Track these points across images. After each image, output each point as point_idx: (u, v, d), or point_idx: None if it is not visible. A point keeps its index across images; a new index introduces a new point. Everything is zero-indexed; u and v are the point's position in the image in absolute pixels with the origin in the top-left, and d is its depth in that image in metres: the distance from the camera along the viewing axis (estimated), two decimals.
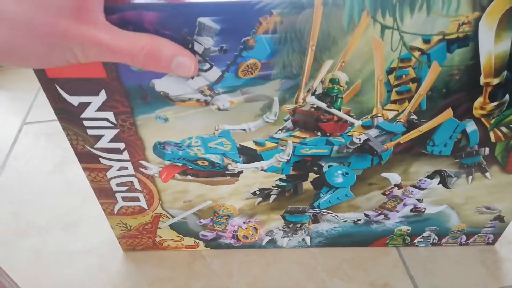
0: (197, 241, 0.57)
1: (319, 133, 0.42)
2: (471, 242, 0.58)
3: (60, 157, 0.74)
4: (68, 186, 0.69)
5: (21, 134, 0.79)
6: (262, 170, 0.46)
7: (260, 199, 0.50)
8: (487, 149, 0.44)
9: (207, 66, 0.35)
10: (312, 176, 0.48)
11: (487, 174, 0.47)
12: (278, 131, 0.42)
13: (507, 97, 0.39)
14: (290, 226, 0.55)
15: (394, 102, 0.39)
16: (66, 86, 0.37)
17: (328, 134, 0.43)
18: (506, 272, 0.56)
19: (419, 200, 0.51)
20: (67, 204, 0.66)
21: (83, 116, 0.39)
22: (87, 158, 0.44)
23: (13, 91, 0.91)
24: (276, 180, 0.48)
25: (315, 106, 0.39)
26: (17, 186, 0.69)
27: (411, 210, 0.53)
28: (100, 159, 0.44)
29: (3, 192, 0.68)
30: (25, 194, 0.68)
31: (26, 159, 0.74)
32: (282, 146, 0.43)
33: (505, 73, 0.37)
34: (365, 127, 0.42)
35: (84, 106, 0.38)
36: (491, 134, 0.43)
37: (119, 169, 0.45)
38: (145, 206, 0.50)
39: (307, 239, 0.57)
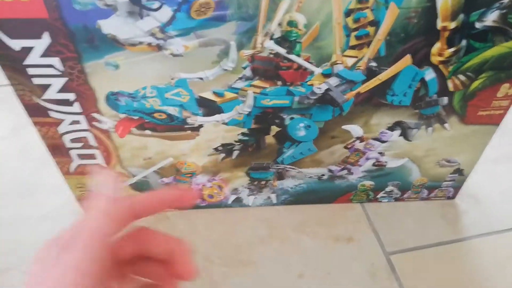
0: None
1: (279, 82, 0.41)
2: (432, 196, 0.59)
3: (15, 122, 0.71)
4: (26, 150, 0.66)
5: None
6: (223, 123, 0.45)
7: (223, 155, 0.49)
8: (445, 99, 0.45)
9: (157, 4, 0.33)
10: (274, 129, 0.47)
11: (446, 125, 0.48)
12: (237, 80, 0.41)
13: (464, 42, 0.39)
14: (255, 183, 0.54)
15: (353, 47, 0.39)
16: (6, 27, 0.34)
17: (288, 83, 0.42)
18: (465, 224, 0.58)
19: (380, 153, 0.51)
20: (24, 168, 0.63)
21: (26, 62, 0.37)
22: (35, 111, 0.41)
23: None
24: (238, 135, 0.47)
25: (274, 52, 0.38)
26: None
27: (374, 164, 0.53)
28: (50, 112, 0.41)
29: None
30: None
31: None
32: (242, 97, 0.42)
33: (461, 16, 0.37)
34: (325, 75, 0.41)
35: (27, 51, 0.36)
36: (449, 83, 0.43)
37: (71, 123, 0.43)
38: (103, 164, 0.49)
39: (273, 196, 0.57)
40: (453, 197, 0.60)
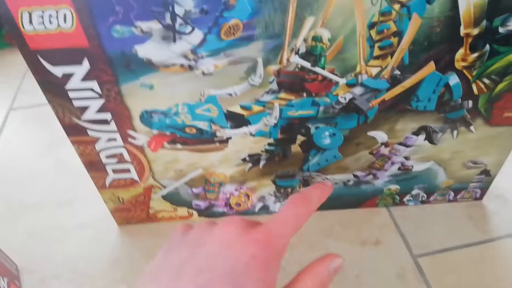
0: (190, 211, 0.58)
1: (304, 94, 0.43)
2: (459, 198, 0.60)
3: (49, 139, 0.74)
4: (60, 166, 0.69)
5: (8, 120, 0.79)
6: (251, 135, 0.46)
7: (250, 165, 0.51)
8: (470, 102, 0.45)
9: (189, 29, 0.35)
10: (300, 139, 0.48)
11: (472, 127, 0.48)
12: (264, 93, 0.42)
13: (487, 47, 0.39)
14: (281, 191, 0.56)
15: (377, 57, 0.40)
16: (49, 56, 0.36)
17: (313, 95, 0.43)
18: (493, 225, 0.58)
19: (406, 157, 0.52)
20: (60, 183, 0.66)
21: (67, 87, 0.39)
22: (74, 131, 0.44)
23: None
24: (265, 145, 0.49)
25: (299, 66, 0.40)
26: (9, 170, 0.69)
27: (399, 168, 0.54)
28: (88, 131, 0.44)
29: None
30: (17, 177, 0.68)
31: (16, 143, 0.74)
32: (269, 109, 0.44)
33: (484, 22, 0.37)
34: (350, 85, 0.42)
35: (68, 76, 0.38)
36: (474, 86, 0.43)
37: (107, 141, 0.45)
38: (136, 178, 0.51)
39: None
40: (480, 198, 0.60)
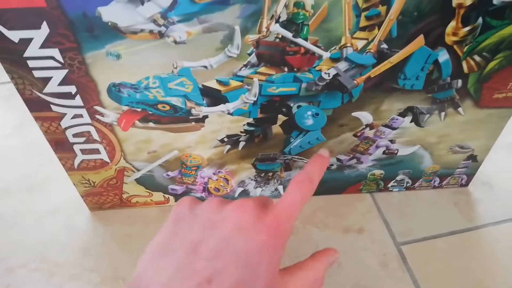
0: (166, 196, 0.55)
1: (286, 69, 0.40)
2: (445, 184, 0.58)
3: (18, 119, 0.70)
4: (30, 147, 0.65)
5: None
6: (229, 113, 0.43)
7: (228, 146, 0.48)
8: (459, 81, 0.43)
9: None
10: (281, 118, 0.46)
11: (460, 109, 0.46)
12: (242, 67, 0.39)
13: (480, 20, 0.37)
14: (262, 175, 0.53)
15: (364, 29, 0.37)
16: (4, 18, 0.33)
17: (295, 69, 0.40)
18: (479, 212, 0.57)
19: (391, 141, 0.50)
20: (29, 165, 0.62)
21: (26, 54, 0.35)
22: (37, 106, 0.40)
23: None
24: (244, 125, 0.46)
25: (280, 36, 0.37)
26: None
27: (384, 152, 0.51)
28: (52, 106, 0.40)
29: None
30: None
31: None
32: (248, 85, 0.41)
33: None
34: (334, 59, 0.39)
35: (26, 42, 0.35)
36: (464, 64, 0.41)
37: (73, 117, 0.42)
38: (107, 159, 0.47)
39: (280, 188, 0.56)
40: (466, 185, 0.59)
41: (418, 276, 0.50)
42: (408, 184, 0.57)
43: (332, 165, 0.52)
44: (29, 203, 0.57)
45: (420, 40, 0.38)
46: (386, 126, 0.48)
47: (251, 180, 0.54)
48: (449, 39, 0.39)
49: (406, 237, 0.54)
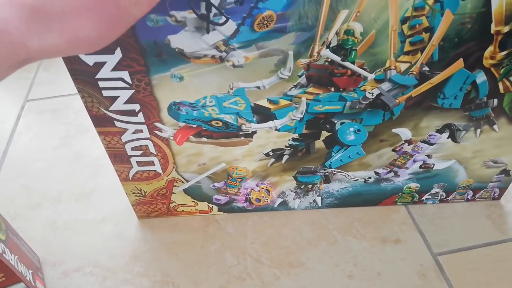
0: (210, 205, 0.58)
1: (332, 89, 0.43)
2: (478, 197, 0.60)
3: (65, 131, 0.74)
4: (76, 158, 0.69)
5: (24, 111, 0.79)
6: (276, 129, 0.47)
7: (273, 160, 0.51)
8: (495, 101, 0.45)
9: (223, 19, 0.35)
10: (324, 134, 0.48)
11: (495, 126, 0.48)
12: (292, 87, 0.42)
13: None
14: (302, 187, 0.56)
15: (407, 53, 0.40)
16: None
17: (341, 90, 0.43)
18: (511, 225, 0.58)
19: (428, 155, 0.52)
20: (77, 176, 0.66)
21: (98, 76, 0.39)
22: (102, 122, 0.44)
23: None
24: (289, 140, 0.49)
25: (329, 60, 0.40)
26: (26, 161, 0.69)
27: (420, 166, 0.54)
28: (115, 122, 0.44)
29: (12, 167, 0.68)
30: (34, 168, 0.68)
31: (32, 134, 0.74)
32: (296, 104, 0.44)
33: None
34: (378, 80, 0.42)
35: (99, 65, 0.38)
36: (500, 85, 0.44)
37: (134, 132, 0.45)
38: (160, 171, 0.51)
39: (318, 200, 0.58)
40: (498, 198, 0.60)
41: (455, 285, 0.51)
42: (442, 197, 0.59)
43: (370, 178, 0.55)
44: (78, 212, 0.61)
45: (459, 63, 0.41)
46: (424, 141, 0.50)
47: (291, 191, 0.57)
48: (487, 62, 0.41)
49: (442, 248, 0.55)
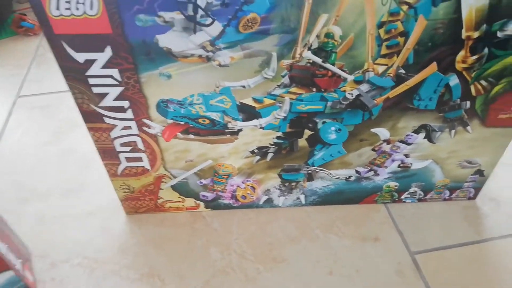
0: (197, 202, 0.59)
1: (314, 89, 0.45)
2: (454, 197, 0.62)
3: (56, 127, 0.76)
4: (66, 154, 0.70)
5: (15, 107, 0.80)
6: (261, 127, 0.49)
7: (258, 157, 0.53)
8: (468, 103, 0.48)
9: (209, 20, 0.37)
10: (307, 133, 0.50)
11: (468, 128, 0.51)
12: (276, 87, 0.44)
13: (486, 50, 0.42)
14: (286, 184, 0.58)
15: (384, 56, 0.42)
16: (72, 42, 0.38)
17: (322, 90, 0.45)
18: (487, 226, 0.60)
19: (406, 155, 0.54)
20: (66, 171, 0.68)
21: (88, 73, 0.41)
22: (92, 118, 0.45)
23: (5, 66, 0.91)
24: (273, 138, 0.51)
25: (311, 61, 0.42)
26: (16, 156, 0.70)
27: (399, 166, 0.56)
28: (105, 118, 0.46)
29: (2, 162, 0.69)
30: (24, 164, 0.69)
31: (22, 130, 0.75)
32: (280, 103, 0.46)
33: (484, 26, 0.40)
34: (357, 82, 0.44)
35: (89, 63, 0.40)
36: (472, 88, 0.46)
37: (123, 129, 0.47)
38: (148, 167, 0.52)
39: (302, 197, 0.60)
40: (473, 198, 0.63)
41: (431, 284, 0.53)
42: (420, 196, 0.62)
43: (351, 176, 0.57)
44: (67, 206, 0.62)
45: (433, 67, 0.43)
46: (401, 141, 0.52)
47: (276, 189, 0.59)
48: (459, 66, 0.44)
49: (420, 247, 0.57)
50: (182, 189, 0.57)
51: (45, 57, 0.94)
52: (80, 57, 0.40)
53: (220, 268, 0.55)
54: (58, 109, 0.79)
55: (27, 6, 1.10)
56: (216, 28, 0.38)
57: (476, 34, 0.41)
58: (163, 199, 0.58)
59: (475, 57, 0.43)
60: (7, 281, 0.47)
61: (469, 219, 0.61)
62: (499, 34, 0.41)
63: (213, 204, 0.60)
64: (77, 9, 0.36)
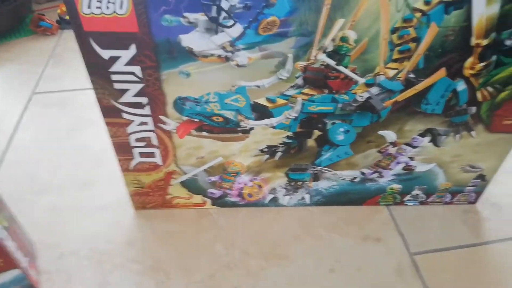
0: (204, 199, 0.61)
1: (326, 90, 0.47)
2: (455, 200, 0.64)
3: (71, 124, 0.77)
4: (80, 150, 0.72)
5: (31, 103, 0.81)
6: (272, 127, 0.50)
7: (267, 156, 0.54)
8: (474, 108, 0.49)
9: (231, 22, 0.38)
10: (316, 133, 0.52)
11: (473, 132, 0.52)
12: (289, 88, 0.46)
13: (494, 57, 0.44)
14: (292, 184, 0.59)
15: (395, 60, 0.44)
16: (100, 39, 0.40)
17: (334, 92, 0.47)
18: (486, 230, 0.62)
19: (411, 158, 0.56)
20: (80, 166, 0.69)
21: (112, 69, 0.42)
22: (110, 113, 0.47)
23: (22, 64, 0.93)
24: (283, 137, 0.52)
25: (325, 63, 0.43)
26: (32, 149, 0.72)
27: (403, 168, 0.58)
28: (123, 113, 0.47)
29: (18, 154, 0.71)
30: (40, 157, 0.70)
31: (37, 125, 0.76)
32: (292, 103, 0.47)
33: (493, 34, 0.42)
34: (368, 85, 0.46)
35: (114, 60, 0.41)
36: (478, 94, 0.48)
37: (139, 124, 0.48)
38: (160, 162, 0.54)
39: (307, 197, 0.62)
40: (474, 202, 0.64)
41: (429, 284, 0.55)
42: (422, 199, 0.63)
43: (356, 177, 0.59)
44: (79, 200, 0.64)
45: (442, 72, 0.45)
46: (407, 144, 0.54)
47: (282, 188, 0.60)
48: (467, 72, 0.45)
49: (419, 248, 0.59)
50: (191, 186, 0.58)
51: (61, 56, 0.95)
52: (106, 53, 0.41)
53: (224, 263, 0.56)
54: (73, 107, 0.80)
55: (45, 7, 1.11)
56: (237, 29, 0.39)
57: (485, 42, 0.42)
58: (171, 195, 0.59)
59: (483, 64, 0.44)
60: (13, 279, 0.48)
61: (469, 223, 0.62)
62: (507, 42, 0.43)
63: (220, 202, 0.61)
64: (108, 7, 0.37)
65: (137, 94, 0.45)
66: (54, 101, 0.82)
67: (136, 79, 0.43)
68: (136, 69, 0.42)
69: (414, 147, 0.54)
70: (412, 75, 0.45)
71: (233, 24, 0.39)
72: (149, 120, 0.48)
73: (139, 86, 0.44)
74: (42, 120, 0.77)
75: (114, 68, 0.42)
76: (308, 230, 0.61)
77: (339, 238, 0.60)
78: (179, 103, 0.46)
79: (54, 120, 0.77)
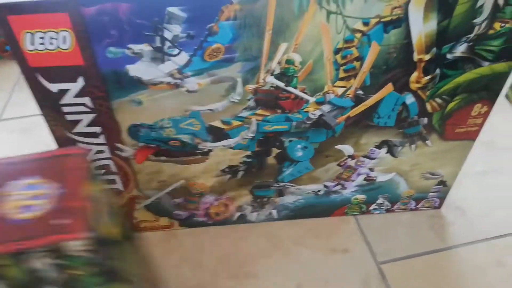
0: (171, 220, 0.61)
1: (279, 110, 0.47)
2: (420, 206, 0.65)
3: (35, 150, 0.76)
4: None
5: None
6: (230, 147, 0.51)
7: (229, 175, 0.55)
8: (425, 119, 0.51)
9: (176, 51, 0.39)
10: (275, 151, 0.53)
11: (428, 142, 0.54)
12: (242, 110, 0.47)
13: (438, 71, 0.45)
14: (258, 200, 0.60)
15: (342, 79, 0.45)
16: (46, 73, 0.40)
17: (287, 111, 0.48)
18: (451, 234, 0.63)
19: (370, 169, 0.57)
20: None
21: (62, 101, 0.42)
22: (65, 143, 0.47)
23: None
24: (243, 157, 0.53)
25: (274, 85, 0.44)
26: None
27: (364, 179, 0.59)
28: (78, 144, 0.47)
29: None
30: None
31: (2, 152, 0.75)
32: (247, 124, 0.48)
33: (434, 49, 0.43)
34: (319, 103, 0.47)
35: (63, 92, 0.41)
36: (428, 105, 0.49)
37: (96, 153, 0.48)
38: (121, 188, 0.54)
39: (274, 212, 0.62)
40: (439, 207, 0.66)
41: None
42: (387, 207, 0.64)
43: (320, 190, 0.59)
44: None
45: (389, 87, 0.46)
46: (365, 156, 0.55)
47: (248, 205, 0.61)
48: (414, 85, 0.47)
49: (386, 257, 0.60)
50: (156, 209, 0.58)
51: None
52: (54, 87, 0.41)
53: (192, 285, 0.56)
54: (37, 132, 0.80)
55: None
56: (183, 58, 0.40)
57: (427, 57, 0.44)
58: (137, 219, 0.59)
59: (428, 77, 0.46)
60: None
61: (435, 228, 0.64)
62: (448, 56, 0.44)
63: (188, 222, 0.62)
64: (51, 43, 0.37)
65: (90, 124, 0.45)
66: (20, 126, 0.81)
67: (87, 109, 0.43)
68: (86, 100, 0.42)
69: (372, 158, 0.56)
70: (360, 92, 0.46)
71: (179, 53, 0.40)
72: (105, 148, 0.48)
73: (91, 116, 0.44)
74: (6, 147, 0.76)
75: (64, 100, 0.42)
76: (275, 245, 0.62)
77: (306, 251, 0.61)
78: (134, 130, 0.46)
79: (20, 146, 0.77)
